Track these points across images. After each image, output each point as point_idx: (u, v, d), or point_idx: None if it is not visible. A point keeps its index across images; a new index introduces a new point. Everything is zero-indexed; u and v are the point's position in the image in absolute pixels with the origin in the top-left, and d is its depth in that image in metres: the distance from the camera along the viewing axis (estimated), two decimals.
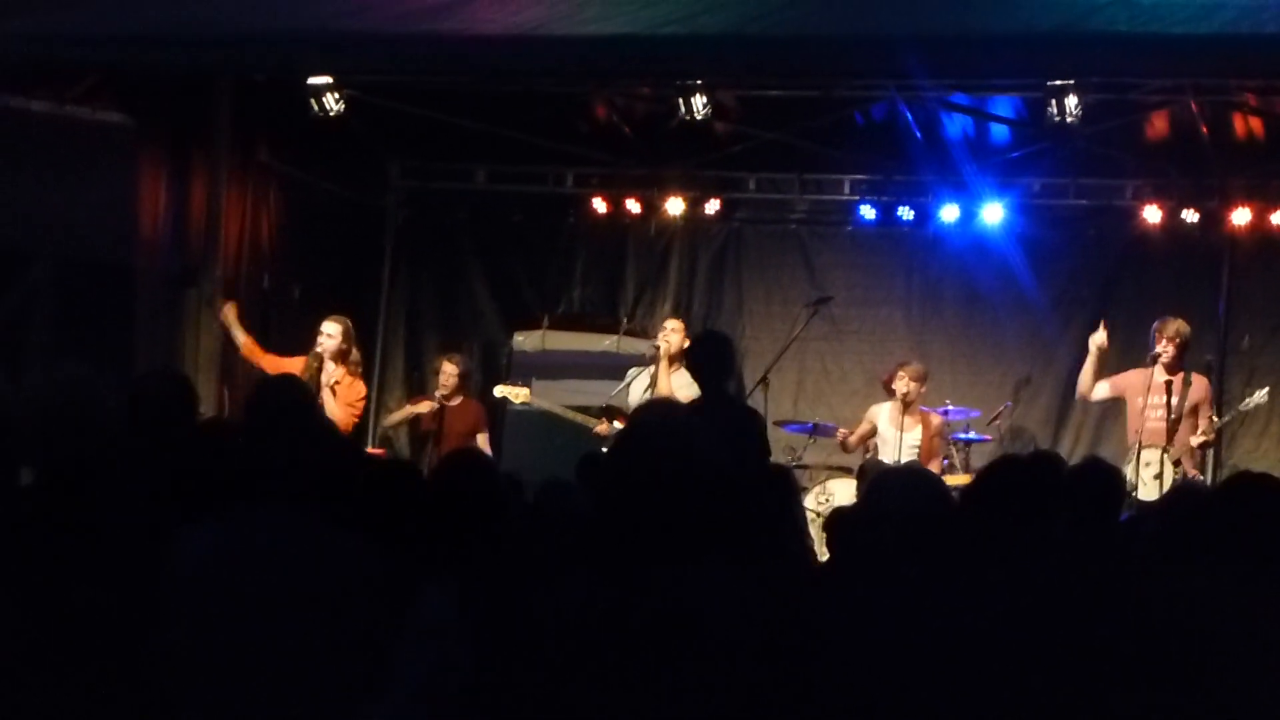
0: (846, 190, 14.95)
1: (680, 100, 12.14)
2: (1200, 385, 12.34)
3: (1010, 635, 4.67)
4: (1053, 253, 14.34)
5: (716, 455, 4.02)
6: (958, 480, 11.52)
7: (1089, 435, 14.20)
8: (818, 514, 12.22)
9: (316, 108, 12.31)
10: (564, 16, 10.83)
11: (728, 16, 10.59)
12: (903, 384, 13.05)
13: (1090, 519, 6.80)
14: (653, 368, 12.30)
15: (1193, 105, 12.86)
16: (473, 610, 4.94)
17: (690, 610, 3.81)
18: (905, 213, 14.57)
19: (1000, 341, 14.60)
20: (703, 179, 15.02)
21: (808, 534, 7.98)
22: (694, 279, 15.41)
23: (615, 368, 13.40)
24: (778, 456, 11.96)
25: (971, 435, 13.44)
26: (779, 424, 13.46)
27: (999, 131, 14.15)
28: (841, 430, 13.43)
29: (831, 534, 7.82)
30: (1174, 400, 12.01)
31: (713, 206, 15.02)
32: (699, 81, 12.02)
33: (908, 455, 12.76)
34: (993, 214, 14.09)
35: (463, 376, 13.26)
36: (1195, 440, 12.14)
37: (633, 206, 15.05)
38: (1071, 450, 13.68)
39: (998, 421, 13.67)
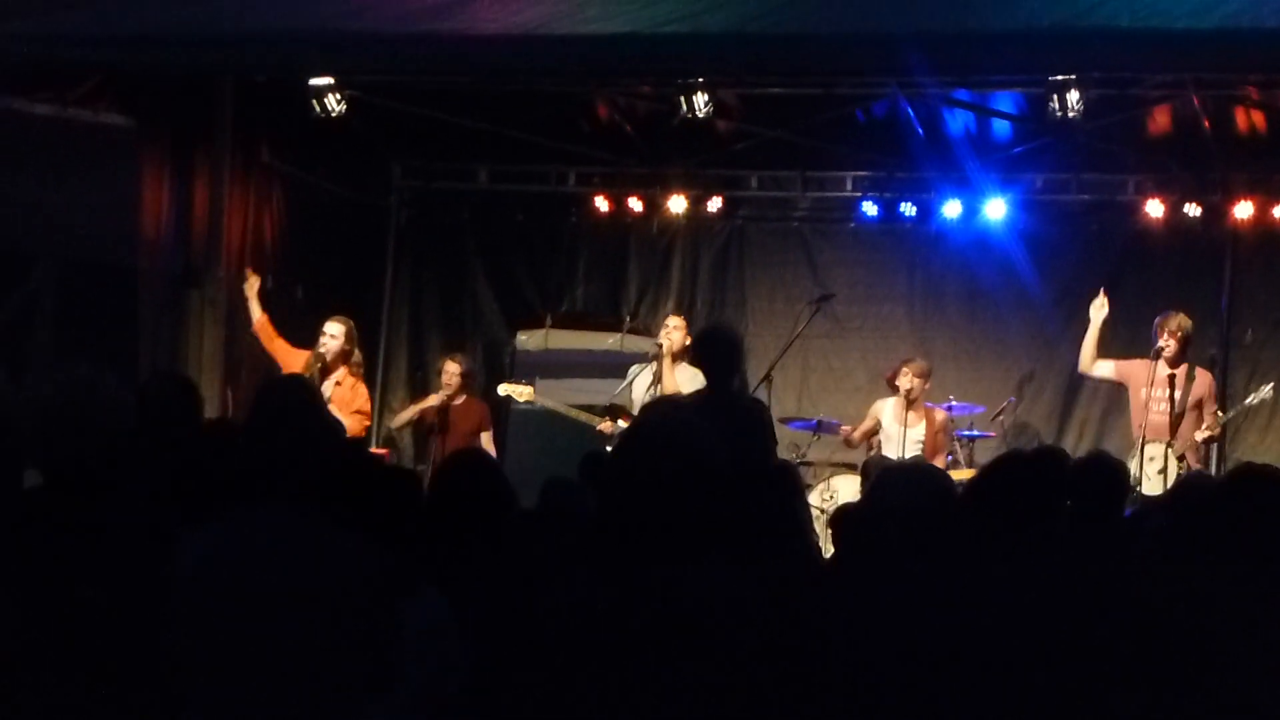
0: (849, 187, 14.96)
1: (682, 99, 12.14)
2: (1204, 380, 12.33)
3: (1014, 632, 4.67)
4: (1055, 248, 14.35)
5: (719, 455, 4.02)
6: (962, 475, 11.52)
7: (1093, 431, 14.21)
8: (822, 511, 12.23)
9: (318, 108, 12.32)
10: (565, 16, 10.83)
11: (729, 15, 10.59)
12: (906, 380, 13.03)
13: (1094, 514, 6.81)
14: (655, 365, 12.29)
15: (1194, 100, 12.85)
16: (473, 610, 4.95)
17: (691, 610, 3.81)
18: (908, 209, 14.58)
19: (1003, 337, 14.61)
20: (705, 177, 15.03)
21: (812, 531, 7.97)
22: (697, 277, 15.42)
23: (618, 366, 13.39)
24: (782, 454, 11.96)
25: (975, 431, 13.45)
26: (783, 421, 13.45)
27: (1001, 127, 14.15)
28: (845, 427, 13.43)
29: (837, 531, 7.83)
30: (1177, 394, 12.00)
31: (715, 204, 15.03)
32: (700, 80, 12.03)
33: (911, 451, 12.76)
34: (995, 210, 14.10)
35: (465, 375, 13.24)
36: (1200, 435, 12.14)
37: (635, 205, 15.06)
38: (1075, 446, 13.68)
39: (1001, 417, 13.67)
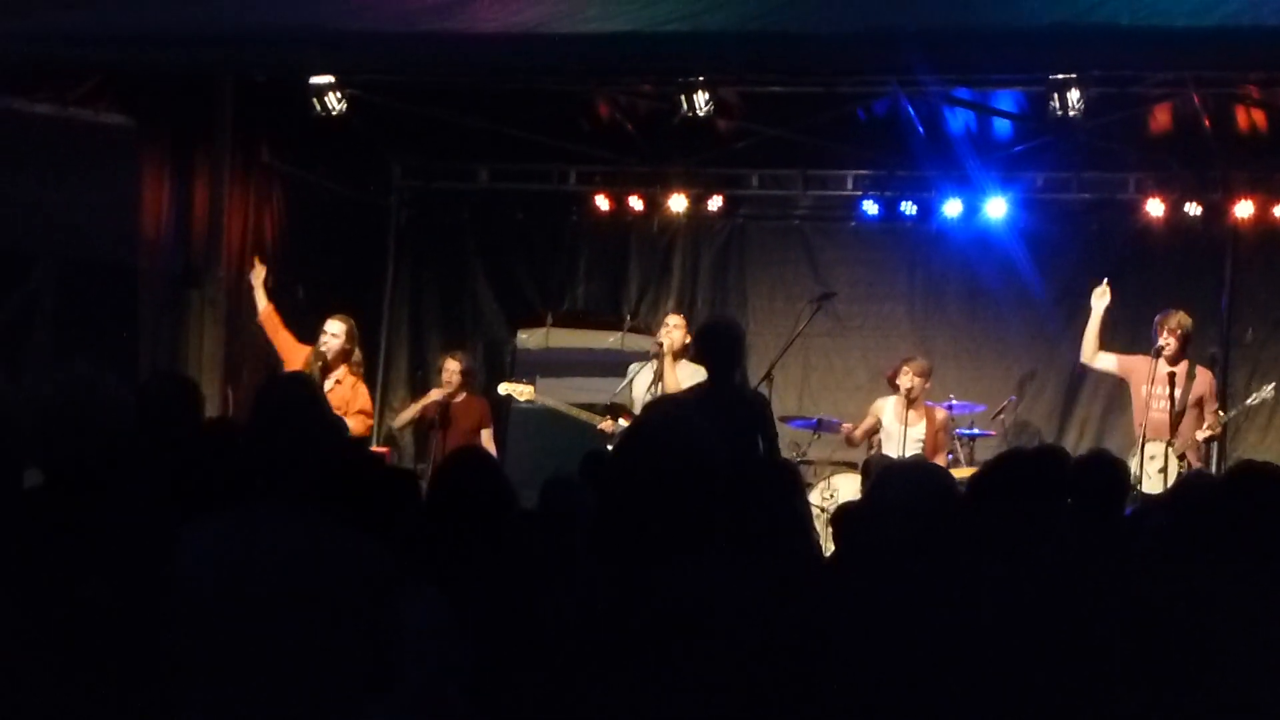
0: (849, 186, 14.95)
1: (682, 97, 12.15)
2: (1204, 378, 12.33)
3: (1014, 631, 4.67)
4: (1056, 247, 14.34)
5: (720, 454, 4.02)
6: (962, 474, 11.52)
7: (1093, 430, 14.22)
8: (822, 509, 12.23)
9: (318, 107, 12.33)
10: (565, 15, 10.82)
11: (729, 14, 10.59)
12: (907, 379, 13.03)
13: (1095, 512, 6.81)
14: (655, 363, 12.29)
15: (1195, 98, 12.84)
16: (473, 610, 4.94)
17: (692, 610, 3.81)
18: (908, 208, 14.57)
19: (1004, 336, 14.61)
20: (705, 176, 15.03)
21: (813, 530, 7.97)
22: (697, 276, 15.42)
23: (619, 365, 13.39)
24: (782, 452, 11.95)
25: (975, 430, 13.45)
26: (784, 420, 13.43)
27: (1001, 126, 14.15)
28: (846, 425, 13.43)
29: (838, 530, 7.83)
30: (1177, 392, 12.01)
31: (715, 203, 15.03)
32: (701, 79, 12.03)
33: (912, 450, 12.76)
34: (996, 209, 14.09)
35: (465, 373, 13.24)
36: (1201, 435, 12.14)
37: (635, 204, 15.05)
38: (1076, 445, 13.68)
39: (1002, 416, 13.67)
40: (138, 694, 4.42)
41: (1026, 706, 4.56)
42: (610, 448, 11.29)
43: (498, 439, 13.43)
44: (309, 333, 12.36)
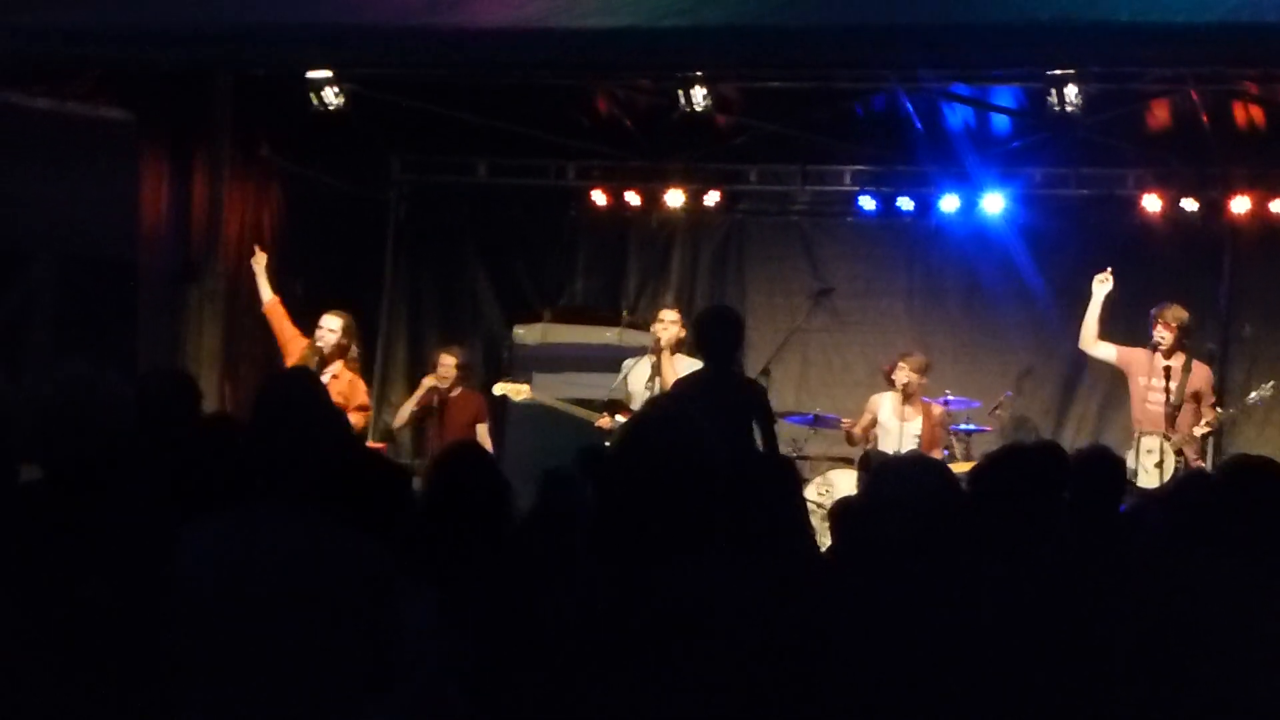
0: (848, 181, 14.95)
1: (681, 93, 12.15)
2: (1201, 373, 12.35)
3: (1014, 627, 4.67)
4: (1054, 243, 14.34)
5: (720, 451, 4.02)
6: (959, 469, 11.52)
7: (1090, 425, 14.22)
8: (819, 505, 12.22)
9: (317, 102, 12.33)
10: (564, 10, 10.82)
11: (728, 9, 10.59)
12: (904, 374, 13.05)
13: (1092, 507, 6.81)
14: (652, 358, 12.28)
15: (1193, 94, 12.85)
16: (474, 609, 4.94)
17: (692, 609, 3.81)
18: (906, 204, 14.58)
19: (1001, 332, 14.61)
20: (704, 171, 15.02)
21: (810, 525, 7.97)
22: (695, 271, 15.42)
23: (616, 360, 13.37)
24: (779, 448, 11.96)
25: (972, 426, 13.45)
26: (781, 415, 13.43)
27: (1000, 122, 14.15)
28: (845, 421, 13.44)
29: (836, 525, 7.82)
30: (1173, 386, 12.03)
31: (714, 198, 15.03)
32: (700, 74, 12.03)
33: (909, 445, 12.77)
34: (994, 204, 14.09)
35: (462, 368, 13.24)
36: (1198, 431, 12.15)
37: (634, 199, 15.05)
38: (1073, 440, 13.66)
39: (999, 412, 13.69)
40: (138, 694, 4.42)
41: (1027, 704, 4.56)
42: (608, 444, 11.29)
43: (495, 436, 13.42)
44: (307, 328, 12.37)
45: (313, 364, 11.74)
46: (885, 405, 13.20)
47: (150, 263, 12.60)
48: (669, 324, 12.31)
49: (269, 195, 13.86)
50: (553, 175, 15.33)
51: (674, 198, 14.89)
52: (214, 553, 4.42)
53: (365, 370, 13.13)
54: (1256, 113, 13.33)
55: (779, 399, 13.88)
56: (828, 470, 13.29)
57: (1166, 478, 11.72)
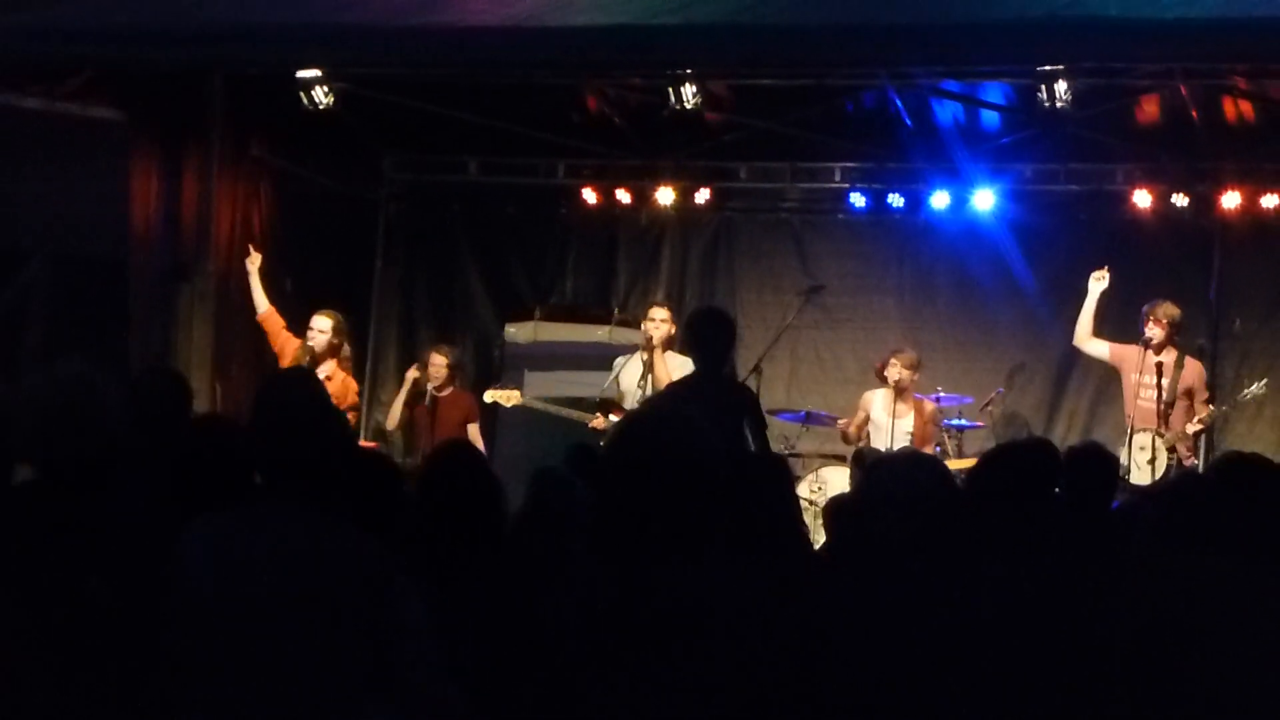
0: (838, 178, 14.94)
1: (671, 90, 12.15)
2: (1193, 369, 12.38)
3: (1010, 626, 4.68)
4: (1044, 238, 14.36)
5: (717, 450, 4.02)
6: (952, 465, 11.53)
7: (1082, 421, 14.24)
8: (811, 502, 12.24)
9: (307, 101, 12.32)
10: (555, 8, 10.83)
11: (719, 6, 10.60)
12: (895, 371, 13.06)
13: (1085, 504, 6.83)
14: (644, 355, 12.29)
15: (1183, 90, 12.86)
16: (470, 608, 4.95)
17: (691, 609, 3.81)
18: (897, 200, 14.59)
19: (992, 328, 14.62)
20: (694, 169, 15.02)
21: (804, 524, 7.98)
22: (686, 269, 15.43)
23: (608, 359, 13.39)
24: (771, 445, 11.96)
25: (964, 422, 13.47)
26: (772, 413, 13.43)
27: (990, 118, 14.15)
28: (841, 421, 13.47)
29: (831, 523, 7.83)
30: (1165, 382, 12.05)
31: (704, 196, 15.03)
32: (690, 72, 12.03)
33: (901, 442, 12.78)
34: (984, 200, 14.11)
35: (452, 367, 13.26)
36: (1191, 428, 12.17)
37: (624, 197, 15.05)
38: (1064, 436, 13.72)
39: (990, 408, 13.70)
40: (137, 694, 4.42)
41: (1021, 701, 4.56)
42: (602, 444, 11.29)
43: (487, 436, 13.43)
44: (298, 327, 12.39)
45: (305, 364, 11.75)
46: (877, 402, 13.22)
47: (142, 262, 12.59)
48: (660, 322, 12.32)
49: (260, 194, 13.84)
50: (543, 174, 15.32)
51: (664, 195, 14.88)
52: (214, 552, 4.42)
53: (357, 369, 13.15)
54: (1246, 108, 13.35)
55: (770, 396, 13.90)
56: (820, 468, 13.30)
57: (1159, 474, 11.74)
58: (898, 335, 14.36)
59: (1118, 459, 8.58)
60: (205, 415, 8.38)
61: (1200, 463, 12.49)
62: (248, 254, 12.96)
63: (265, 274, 12.94)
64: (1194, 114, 13.21)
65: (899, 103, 13.56)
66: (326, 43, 11.40)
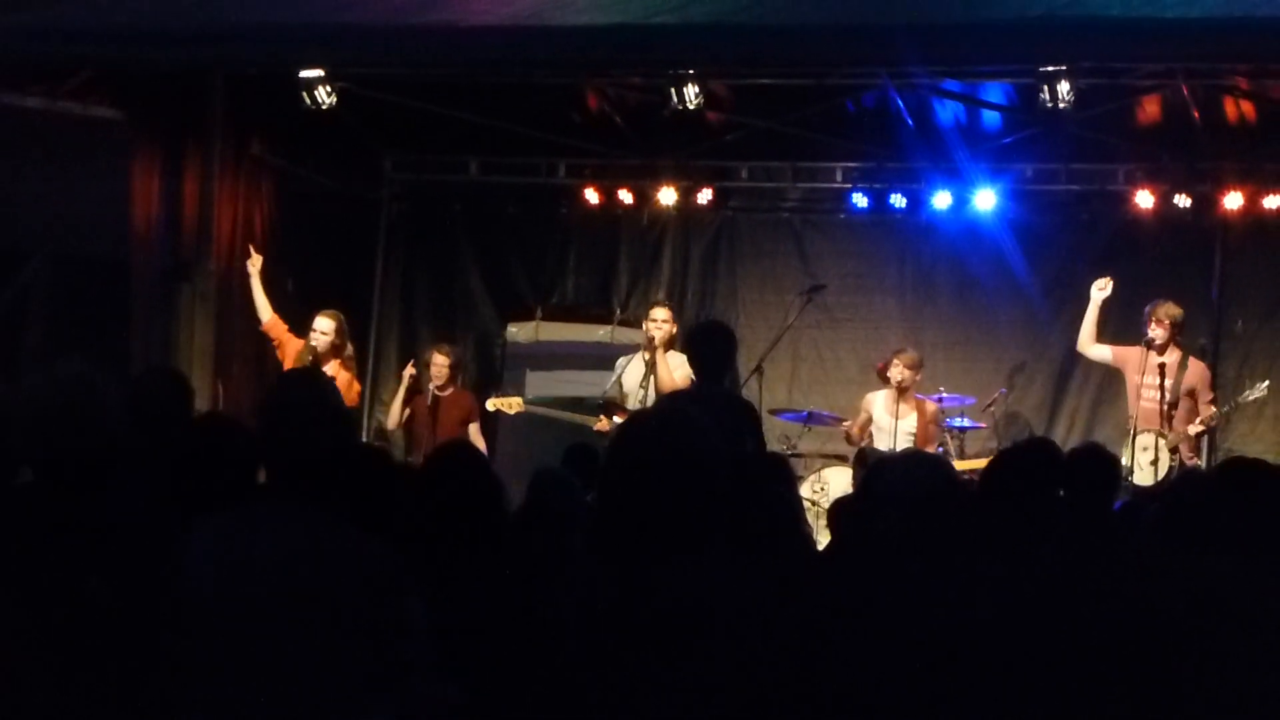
0: (839, 178, 14.94)
1: (672, 90, 12.15)
2: (1196, 369, 12.37)
3: (1012, 627, 4.67)
4: (1045, 238, 14.36)
5: (719, 450, 4.01)
6: (955, 466, 11.53)
7: (1083, 421, 14.23)
8: (814, 503, 12.24)
9: (308, 101, 12.31)
10: (555, 7, 10.83)
11: (718, 6, 10.61)
12: (897, 371, 13.06)
13: (1087, 504, 6.83)
14: (646, 355, 12.29)
15: (1184, 90, 12.85)
16: (471, 607, 4.94)
17: (692, 609, 3.81)
18: (898, 200, 14.58)
19: (994, 328, 14.61)
20: (695, 168, 15.02)
21: (806, 523, 7.98)
22: (687, 268, 15.41)
23: (609, 358, 13.40)
24: (772, 446, 11.97)
25: (966, 422, 13.46)
26: (773, 413, 13.49)
27: (991, 118, 14.14)
28: (845, 423, 13.46)
29: (835, 524, 7.82)
30: (1168, 382, 12.05)
31: (705, 196, 15.02)
32: (691, 71, 12.03)
33: (903, 442, 12.78)
34: (985, 200, 14.09)
35: (453, 367, 13.28)
36: (1193, 429, 12.17)
37: (625, 197, 15.04)
38: (1066, 436, 13.72)
39: (992, 408, 13.69)
40: (138, 694, 4.42)
41: (1026, 704, 4.56)
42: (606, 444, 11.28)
43: (488, 437, 13.43)
44: (301, 328, 12.40)
45: (307, 364, 11.76)
46: (879, 402, 13.22)
47: (142, 261, 12.60)
48: (661, 322, 12.33)
49: (261, 194, 13.84)
50: (544, 173, 15.32)
51: (665, 195, 14.88)
52: (214, 552, 4.42)
53: (358, 369, 13.15)
54: (1247, 108, 13.35)
55: (771, 396, 13.91)
56: (822, 468, 13.29)
57: (1161, 475, 11.75)
58: (899, 335, 14.35)
59: (1119, 460, 8.59)
60: (206, 414, 8.37)
61: (1203, 463, 12.49)
62: (248, 254, 12.96)
63: (266, 274, 12.94)
64: (1195, 114, 13.20)
65: (900, 102, 13.55)
66: (326, 43, 11.42)
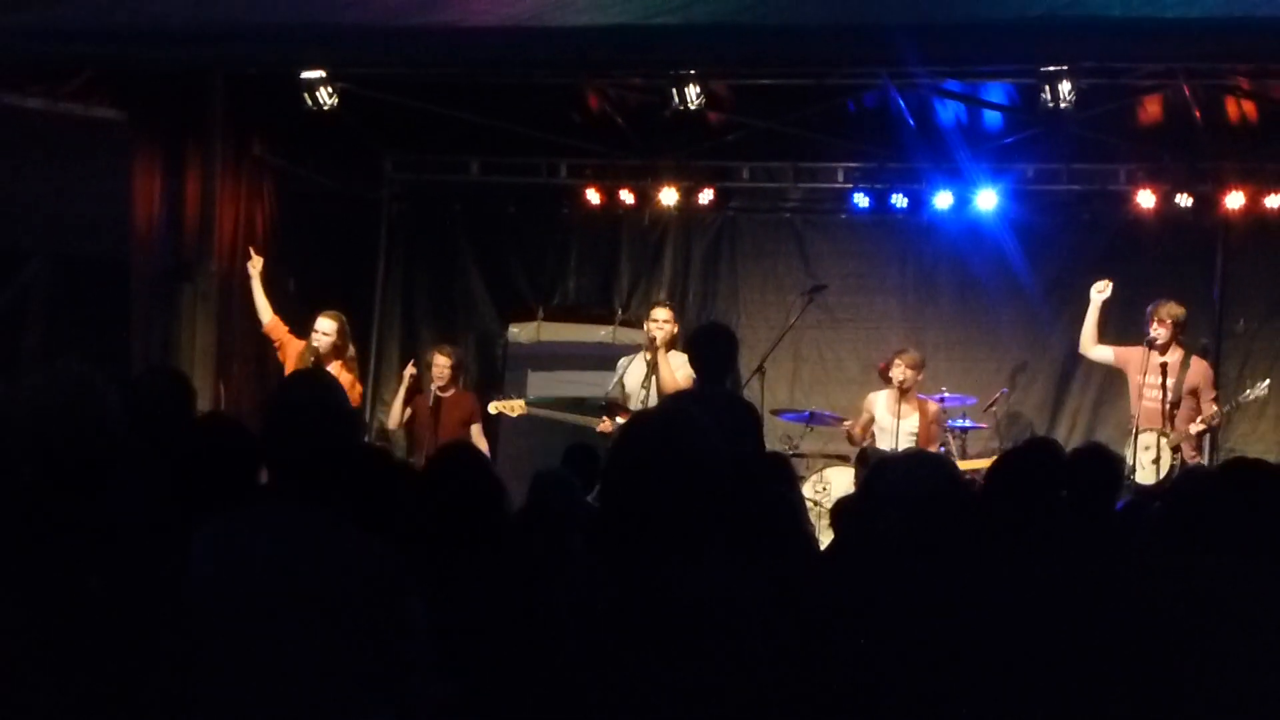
0: (840, 178, 14.94)
1: (673, 90, 12.15)
2: (1199, 368, 12.37)
3: (1013, 626, 4.67)
4: (1046, 238, 14.35)
5: (721, 450, 4.01)
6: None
7: (1085, 421, 14.23)
8: (816, 503, 12.24)
9: (309, 101, 12.31)
10: (555, 8, 10.82)
11: (720, 6, 10.60)
12: (899, 371, 13.06)
13: (1090, 504, 6.82)
14: (647, 355, 12.28)
15: (1185, 89, 12.84)
16: (472, 608, 4.94)
17: (692, 608, 3.81)
18: (899, 200, 14.58)
19: (995, 328, 14.61)
20: (696, 169, 15.02)
21: (808, 523, 7.98)
22: (688, 269, 15.40)
23: (610, 359, 13.39)
24: (774, 446, 11.96)
25: (967, 422, 13.45)
26: (775, 413, 13.49)
27: (992, 118, 14.14)
28: (847, 422, 13.46)
29: (838, 524, 7.82)
30: (1170, 382, 12.05)
31: (706, 196, 15.02)
32: (692, 71, 12.03)
33: (905, 442, 12.78)
34: (986, 200, 14.09)
35: (455, 368, 13.27)
36: (1194, 428, 12.16)
37: (626, 197, 15.03)
38: (1068, 436, 13.72)
39: (994, 408, 13.68)
40: (138, 694, 4.41)
41: (1028, 703, 4.56)
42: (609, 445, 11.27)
43: (490, 438, 13.43)
44: (302, 328, 12.40)
45: (309, 364, 11.76)
46: (881, 403, 13.21)
47: (143, 262, 12.59)
48: (663, 322, 12.33)
49: (262, 194, 13.84)
50: (545, 173, 15.32)
51: (667, 195, 14.88)
52: (216, 552, 4.42)
53: (359, 369, 13.15)
54: (1248, 107, 13.34)
55: (773, 397, 13.92)
56: (824, 468, 13.29)
57: (1163, 474, 11.75)
58: (900, 335, 14.35)
59: (1122, 459, 8.59)
60: (208, 415, 8.37)
61: (1205, 461, 12.48)
62: (249, 255, 12.96)
63: (267, 275, 12.94)
64: (1196, 114, 13.19)
65: (901, 103, 13.54)
66: (327, 43, 11.41)
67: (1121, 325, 13.05)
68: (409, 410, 13.44)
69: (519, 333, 15.17)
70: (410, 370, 13.43)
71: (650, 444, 3.98)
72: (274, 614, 4.31)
